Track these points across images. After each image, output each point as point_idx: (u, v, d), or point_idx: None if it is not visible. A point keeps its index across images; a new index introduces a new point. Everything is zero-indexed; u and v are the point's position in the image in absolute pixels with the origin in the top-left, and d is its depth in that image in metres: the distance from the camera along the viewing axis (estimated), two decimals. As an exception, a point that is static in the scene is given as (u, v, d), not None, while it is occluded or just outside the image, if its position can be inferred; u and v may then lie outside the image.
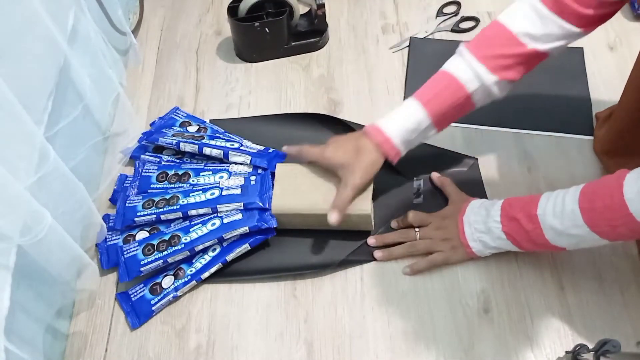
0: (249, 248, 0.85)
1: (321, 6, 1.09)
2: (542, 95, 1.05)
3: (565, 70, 1.08)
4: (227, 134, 1.01)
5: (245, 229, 0.84)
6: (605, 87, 1.05)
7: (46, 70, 0.76)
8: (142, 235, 0.88)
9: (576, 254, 0.86)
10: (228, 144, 0.95)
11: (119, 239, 0.88)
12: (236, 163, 0.93)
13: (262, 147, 0.97)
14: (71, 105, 0.84)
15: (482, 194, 0.92)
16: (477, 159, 0.97)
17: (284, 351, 0.80)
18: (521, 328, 0.81)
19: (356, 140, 0.80)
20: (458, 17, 1.19)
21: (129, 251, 0.85)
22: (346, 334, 0.81)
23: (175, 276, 0.84)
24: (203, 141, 0.95)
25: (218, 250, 0.86)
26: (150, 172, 0.94)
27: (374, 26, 1.19)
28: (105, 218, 0.91)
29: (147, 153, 0.98)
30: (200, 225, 0.85)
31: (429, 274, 0.86)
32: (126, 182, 0.95)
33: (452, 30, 1.17)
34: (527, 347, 0.79)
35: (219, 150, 0.93)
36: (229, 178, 0.90)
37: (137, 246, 0.85)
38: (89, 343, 0.82)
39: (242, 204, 0.86)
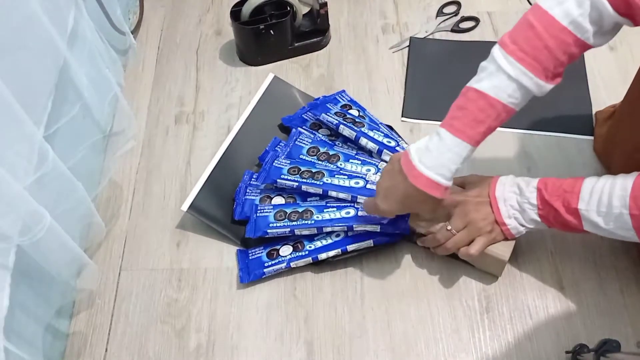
0: (372, 245, 0.86)
1: (323, 5, 1.09)
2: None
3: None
4: (386, 127, 1.00)
5: (376, 228, 0.84)
6: (605, 87, 1.05)
7: (46, 71, 0.76)
8: (278, 200, 0.91)
9: (576, 255, 0.86)
10: (385, 140, 0.95)
11: (257, 196, 0.92)
12: (386, 162, 0.93)
13: None
14: (70, 105, 0.84)
15: None
16: None
17: (284, 351, 0.80)
18: (521, 328, 0.81)
19: (403, 186, 0.72)
20: (458, 17, 1.19)
21: (262, 211, 0.88)
22: (346, 334, 0.81)
23: (295, 248, 0.86)
24: (362, 129, 0.95)
25: (342, 237, 0.87)
26: (304, 144, 0.96)
27: (374, 26, 1.19)
28: (247, 172, 0.95)
29: (304, 127, 1.00)
30: (335, 209, 0.87)
31: (428, 273, 0.86)
32: (278, 146, 0.98)
33: (452, 30, 1.17)
34: (527, 347, 0.79)
35: (374, 145, 0.93)
36: (376, 173, 0.91)
37: (270, 209, 0.89)
38: (89, 343, 0.82)
39: None
